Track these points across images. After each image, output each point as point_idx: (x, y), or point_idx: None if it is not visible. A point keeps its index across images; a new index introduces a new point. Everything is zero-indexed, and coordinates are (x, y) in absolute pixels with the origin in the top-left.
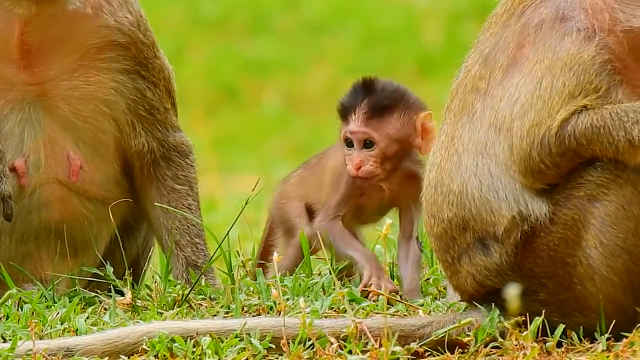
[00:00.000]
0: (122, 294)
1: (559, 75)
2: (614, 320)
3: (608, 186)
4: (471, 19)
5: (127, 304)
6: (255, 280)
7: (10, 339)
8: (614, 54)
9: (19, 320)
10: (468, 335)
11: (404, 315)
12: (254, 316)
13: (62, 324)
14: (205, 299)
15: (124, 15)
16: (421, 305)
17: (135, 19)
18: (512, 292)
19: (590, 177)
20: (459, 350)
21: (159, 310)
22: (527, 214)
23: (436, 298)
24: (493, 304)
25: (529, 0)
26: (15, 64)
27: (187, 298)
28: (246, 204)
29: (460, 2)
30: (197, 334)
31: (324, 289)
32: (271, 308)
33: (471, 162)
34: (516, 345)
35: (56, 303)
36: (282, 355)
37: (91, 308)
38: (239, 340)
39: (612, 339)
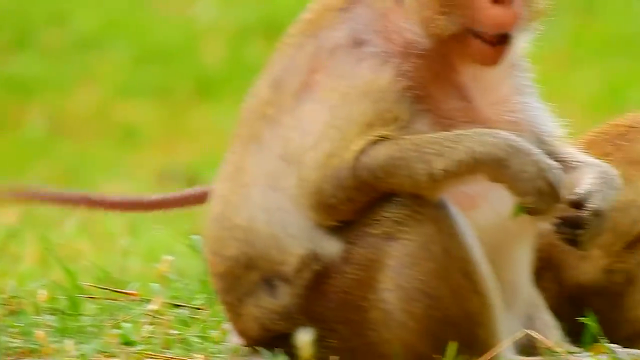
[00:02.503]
0: None
1: (354, 103)
2: None
3: (406, 223)
4: (257, 36)
5: None
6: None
7: None
8: (413, 80)
9: None
10: None
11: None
12: None
13: None
14: None
15: None
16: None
17: None
18: (303, 338)
19: (387, 214)
20: None
21: None
22: (318, 253)
23: (216, 342)
24: (280, 349)
25: (323, 22)
26: None
27: None
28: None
29: (245, 18)
30: None
31: (97, 330)
32: (34, 351)
33: (259, 196)
34: None
35: None
36: None
37: None
38: None
39: None
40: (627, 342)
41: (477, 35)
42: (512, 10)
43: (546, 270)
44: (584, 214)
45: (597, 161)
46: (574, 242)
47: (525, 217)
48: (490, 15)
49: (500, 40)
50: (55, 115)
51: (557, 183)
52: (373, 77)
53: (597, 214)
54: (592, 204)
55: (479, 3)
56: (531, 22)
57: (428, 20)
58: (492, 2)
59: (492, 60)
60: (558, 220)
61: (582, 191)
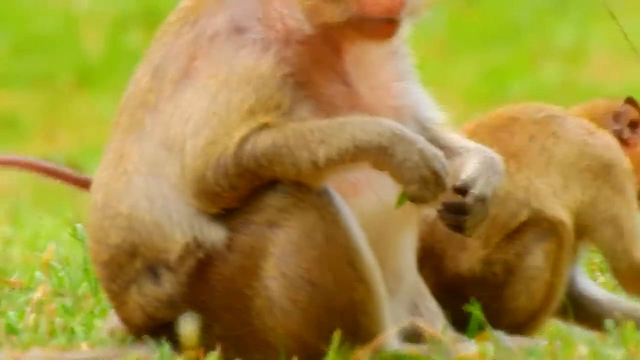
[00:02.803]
0: None
1: (236, 90)
2: (296, 355)
3: (290, 211)
4: (137, 25)
5: None
6: None
7: None
8: (295, 67)
9: None
10: None
11: (65, 346)
12: None
13: None
14: None
15: None
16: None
17: None
18: (187, 326)
19: (270, 201)
20: None
21: None
22: (202, 241)
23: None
24: (164, 337)
25: (203, 9)
26: None
27: None
28: None
29: (125, 7)
30: None
31: None
32: None
33: (142, 183)
34: None
35: None
36: None
37: None
38: None
39: None
40: (509, 331)
41: (364, 21)
42: None
43: (427, 259)
44: (467, 199)
45: (480, 146)
46: (458, 228)
47: (409, 206)
48: (376, 2)
49: (393, 25)
50: None
51: (441, 171)
52: (254, 64)
53: (481, 199)
54: (476, 189)
55: None
56: (415, 9)
57: (312, 8)
58: None
59: (384, 34)
60: (442, 207)
61: (465, 177)
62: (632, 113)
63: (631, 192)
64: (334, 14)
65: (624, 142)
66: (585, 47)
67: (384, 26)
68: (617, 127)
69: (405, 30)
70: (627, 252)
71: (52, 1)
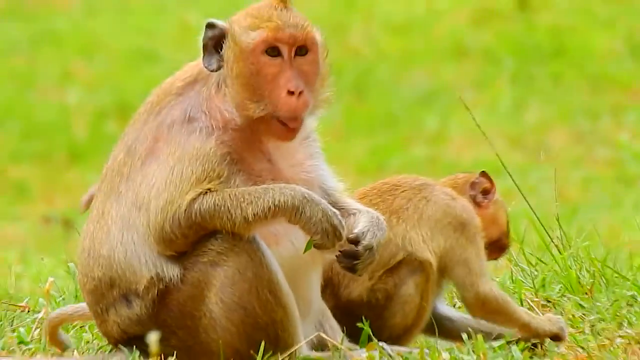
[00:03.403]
0: None
1: (187, 164)
2: None
3: (227, 254)
4: (113, 117)
5: None
6: None
7: None
8: (231, 148)
9: None
10: None
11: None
12: None
13: None
14: None
15: None
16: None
17: None
18: (152, 338)
19: (212, 246)
20: None
21: None
22: (162, 275)
23: (87, 342)
24: (134, 347)
25: (164, 103)
26: None
27: None
28: None
29: (104, 102)
30: None
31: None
32: None
33: (118, 233)
34: None
35: None
36: None
37: None
38: None
39: None
40: (390, 342)
41: (277, 118)
42: (301, 100)
43: (327, 287)
44: (359, 248)
45: (369, 209)
46: (352, 269)
47: (315, 251)
48: (286, 103)
49: (294, 121)
50: None
51: (339, 226)
52: (200, 145)
53: (369, 248)
54: (365, 241)
55: (278, 95)
56: (317, 107)
57: (241, 105)
58: (287, 94)
59: (287, 137)
60: (339, 253)
61: (357, 231)
62: (485, 183)
63: (480, 242)
64: (255, 111)
65: (477, 205)
66: (446, 132)
67: (288, 128)
68: (472, 193)
69: (312, 122)
70: (473, 285)
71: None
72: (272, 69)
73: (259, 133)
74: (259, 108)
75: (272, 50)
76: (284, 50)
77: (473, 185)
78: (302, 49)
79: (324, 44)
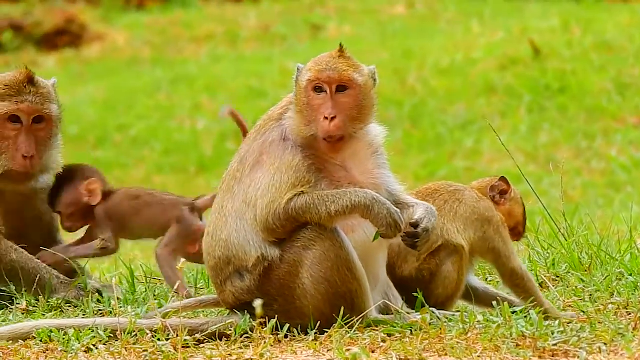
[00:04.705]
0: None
1: (284, 173)
2: (319, 322)
3: (315, 240)
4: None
5: (23, 309)
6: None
7: None
8: (314, 160)
9: None
10: (230, 330)
11: (192, 316)
12: (100, 317)
13: None
14: (71, 306)
15: None
16: (202, 311)
17: None
18: (258, 304)
19: (304, 234)
20: (225, 339)
21: (42, 313)
22: (266, 256)
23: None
24: (246, 311)
25: (268, 126)
26: None
27: (59, 306)
28: None
29: (225, 127)
30: (66, 327)
31: (144, 300)
32: (110, 312)
33: (233, 222)
34: (259, 336)
35: None
36: (117, 340)
37: (0, 311)
38: (91, 331)
39: (318, 333)
40: (437, 307)
41: (322, 138)
42: (333, 123)
43: (387, 267)
44: (418, 230)
45: (424, 202)
46: (413, 246)
47: (381, 239)
48: (322, 126)
49: (330, 139)
50: None
51: (399, 221)
52: (292, 158)
53: (426, 230)
54: (423, 224)
55: (318, 119)
56: (358, 128)
57: (295, 127)
58: (323, 119)
59: (333, 151)
60: (404, 235)
61: (417, 217)
62: (502, 186)
63: (504, 231)
64: (307, 130)
65: (496, 203)
66: (480, 149)
67: (331, 145)
68: (491, 194)
69: (380, 140)
70: (505, 265)
71: (184, 123)
72: (317, 101)
73: (321, 149)
74: (306, 130)
75: (317, 88)
76: (326, 87)
77: (492, 188)
78: (341, 87)
79: (366, 82)
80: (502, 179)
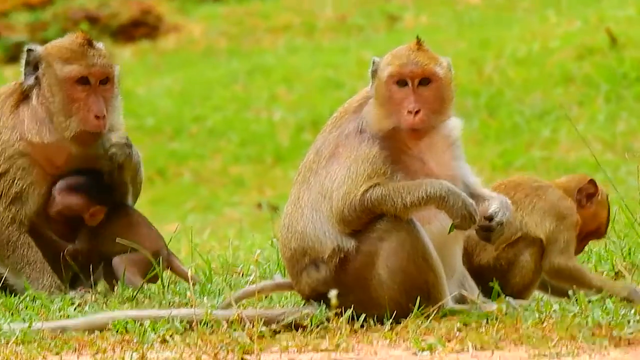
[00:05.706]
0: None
1: (360, 164)
2: (395, 312)
3: (391, 231)
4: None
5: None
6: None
7: (27, 322)
8: (390, 151)
9: (33, 309)
10: (306, 321)
11: (268, 307)
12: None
13: (59, 312)
14: (147, 298)
15: None
16: (278, 302)
17: None
18: (333, 294)
19: (379, 226)
20: (301, 329)
21: (119, 303)
22: (342, 247)
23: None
24: (321, 301)
25: (344, 118)
26: None
27: (134, 297)
28: None
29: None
30: (142, 318)
31: (219, 292)
32: (186, 303)
33: (309, 214)
34: (335, 326)
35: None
36: (193, 332)
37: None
38: (167, 322)
39: (394, 323)
40: (513, 297)
41: (402, 129)
42: (417, 117)
43: (464, 256)
44: (492, 223)
45: (499, 195)
46: (487, 239)
47: (457, 231)
48: (406, 120)
49: (414, 132)
50: None
51: (474, 212)
52: (369, 150)
53: (500, 223)
54: (497, 218)
55: (401, 113)
56: (441, 120)
57: (375, 120)
58: (407, 113)
59: (416, 138)
60: (478, 227)
61: (491, 211)
62: (590, 189)
63: (572, 232)
64: (389, 123)
65: (581, 206)
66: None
67: (413, 133)
68: (578, 197)
69: (457, 132)
70: (553, 259)
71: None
72: (399, 95)
73: (402, 139)
74: (391, 122)
75: (400, 82)
76: (408, 82)
77: (580, 190)
78: (424, 80)
79: (446, 75)
80: (591, 181)
